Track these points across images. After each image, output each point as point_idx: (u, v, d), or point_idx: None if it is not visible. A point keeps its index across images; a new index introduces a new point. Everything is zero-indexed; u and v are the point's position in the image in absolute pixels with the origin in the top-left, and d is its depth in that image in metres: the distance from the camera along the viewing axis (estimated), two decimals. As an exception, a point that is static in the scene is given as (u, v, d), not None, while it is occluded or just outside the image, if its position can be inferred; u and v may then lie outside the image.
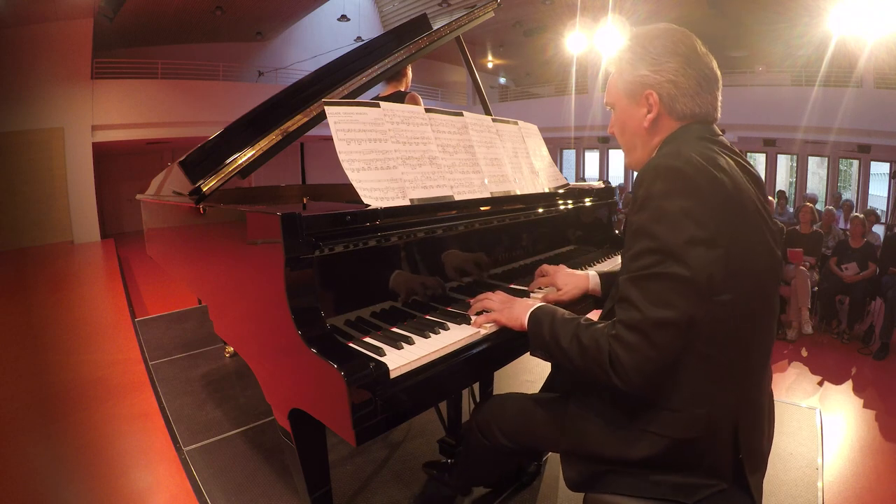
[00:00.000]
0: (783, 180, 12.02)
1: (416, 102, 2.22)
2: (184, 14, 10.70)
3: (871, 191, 10.88)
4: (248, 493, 1.81)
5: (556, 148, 15.81)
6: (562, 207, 1.74)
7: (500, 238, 1.50)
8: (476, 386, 1.96)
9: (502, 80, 19.53)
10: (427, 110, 1.41)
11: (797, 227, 4.91)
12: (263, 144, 1.45)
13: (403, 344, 1.01)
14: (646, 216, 0.83)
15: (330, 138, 1.17)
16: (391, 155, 1.25)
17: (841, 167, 11.62)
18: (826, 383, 3.40)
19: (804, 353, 4.04)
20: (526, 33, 13.83)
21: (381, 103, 1.30)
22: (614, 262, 1.84)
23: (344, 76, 1.71)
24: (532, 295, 1.36)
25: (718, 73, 0.96)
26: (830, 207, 5.71)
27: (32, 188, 9.25)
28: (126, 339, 3.63)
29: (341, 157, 1.16)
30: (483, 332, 1.10)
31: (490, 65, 17.74)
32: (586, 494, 0.98)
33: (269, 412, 1.59)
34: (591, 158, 17.38)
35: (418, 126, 1.36)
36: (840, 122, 8.95)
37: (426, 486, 1.81)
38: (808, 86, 9.47)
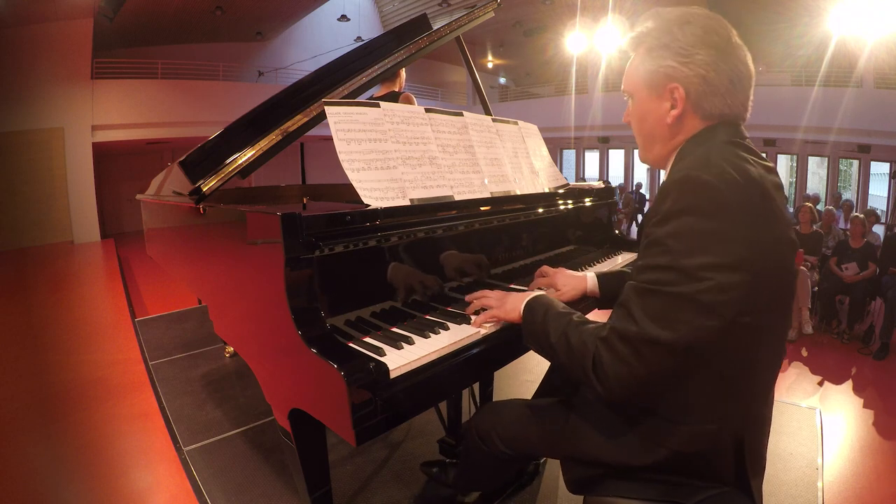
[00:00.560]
0: (783, 180, 12.00)
1: (409, 102, 2.22)
2: (184, 14, 10.70)
3: (871, 191, 10.89)
4: (248, 493, 1.81)
5: (556, 148, 15.81)
6: (562, 207, 1.74)
7: (500, 238, 1.50)
8: (476, 386, 1.96)
9: (502, 80, 19.54)
10: (427, 110, 1.41)
11: (797, 228, 4.91)
12: (263, 144, 1.45)
13: (403, 344, 1.01)
14: (667, 230, 0.77)
15: (330, 138, 1.16)
16: (391, 155, 1.25)
17: (841, 167, 11.63)
18: (826, 383, 3.40)
19: (804, 353, 4.03)
20: (526, 33, 13.84)
21: (381, 103, 1.30)
22: (614, 262, 1.84)
23: (344, 76, 1.71)
24: (532, 295, 1.36)
25: (753, 68, 0.87)
26: (830, 207, 5.70)
27: (32, 188, 9.26)
28: (126, 339, 3.63)
29: (341, 157, 1.16)
30: (483, 332, 1.10)
31: (490, 65, 17.75)
32: (586, 497, 0.98)
33: (269, 412, 1.59)
34: (591, 158, 17.38)
35: (418, 126, 1.36)
36: (840, 122, 8.96)
37: (426, 486, 1.81)
38: (808, 86, 9.48)
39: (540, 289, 1.40)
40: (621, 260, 1.88)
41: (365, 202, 1.15)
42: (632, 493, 0.91)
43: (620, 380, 0.79)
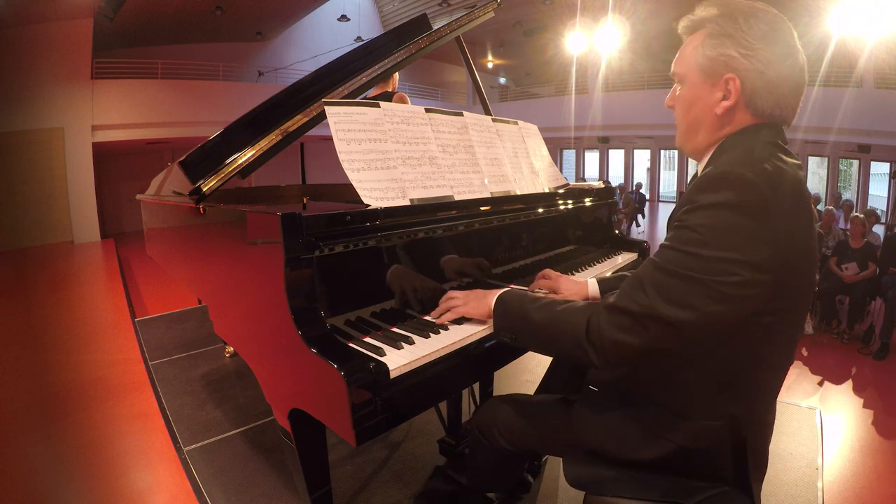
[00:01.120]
0: (783, 180, 12.02)
1: (403, 102, 2.22)
2: (184, 14, 10.70)
3: (871, 191, 10.90)
4: (248, 493, 1.81)
5: (556, 148, 15.82)
6: (562, 207, 1.74)
7: (500, 238, 1.50)
8: (476, 386, 1.96)
9: (502, 80, 19.55)
10: (427, 110, 1.41)
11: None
12: (263, 144, 1.45)
13: (403, 344, 1.01)
14: (701, 219, 0.76)
15: (330, 138, 1.16)
16: (391, 155, 1.25)
17: (841, 167, 11.64)
18: (826, 383, 3.40)
19: (804, 353, 4.03)
20: (526, 33, 13.85)
21: (381, 103, 1.30)
22: (614, 262, 1.84)
23: (344, 76, 1.71)
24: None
25: (806, 77, 0.86)
26: (830, 207, 5.70)
27: (32, 188, 9.26)
28: (126, 339, 3.64)
29: (341, 157, 1.16)
30: (483, 332, 1.10)
31: (490, 65, 17.75)
32: (586, 496, 0.98)
33: (269, 412, 1.59)
34: (591, 158, 17.40)
35: (418, 126, 1.36)
36: (840, 122, 8.96)
37: (426, 485, 1.81)
38: (808, 86, 9.46)
39: (540, 290, 1.40)
40: (621, 260, 1.88)
41: (365, 202, 1.15)
42: (632, 492, 0.91)
43: (616, 346, 0.80)
